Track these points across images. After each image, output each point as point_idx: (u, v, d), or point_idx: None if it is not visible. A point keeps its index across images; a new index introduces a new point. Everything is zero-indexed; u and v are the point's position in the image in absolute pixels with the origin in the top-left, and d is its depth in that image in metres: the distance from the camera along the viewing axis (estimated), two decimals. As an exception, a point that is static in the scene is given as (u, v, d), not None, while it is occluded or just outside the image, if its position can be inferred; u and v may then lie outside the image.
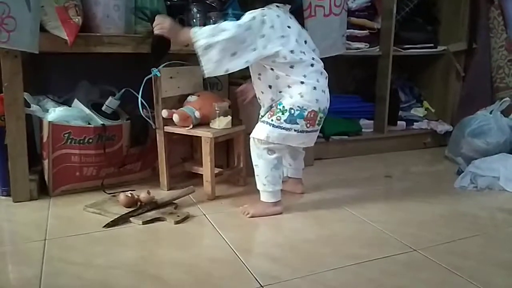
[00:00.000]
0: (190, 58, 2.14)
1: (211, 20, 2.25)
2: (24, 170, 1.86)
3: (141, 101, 1.97)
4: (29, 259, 1.39)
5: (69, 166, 1.92)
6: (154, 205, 1.78)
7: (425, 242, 1.56)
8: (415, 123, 3.03)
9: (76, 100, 2.06)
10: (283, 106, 1.69)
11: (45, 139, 1.89)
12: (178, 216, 1.70)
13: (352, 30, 2.71)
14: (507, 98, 2.66)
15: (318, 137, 2.64)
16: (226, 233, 1.60)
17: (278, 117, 1.70)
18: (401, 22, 2.86)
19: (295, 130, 1.70)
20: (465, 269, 1.38)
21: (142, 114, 2.00)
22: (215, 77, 2.25)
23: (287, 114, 1.68)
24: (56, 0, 1.84)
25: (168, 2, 2.24)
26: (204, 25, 2.24)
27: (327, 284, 1.27)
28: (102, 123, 1.96)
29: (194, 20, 2.26)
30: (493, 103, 2.69)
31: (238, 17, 2.18)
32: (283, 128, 1.70)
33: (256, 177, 1.80)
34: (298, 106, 1.68)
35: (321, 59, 1.81)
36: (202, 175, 1.96)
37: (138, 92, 1.96)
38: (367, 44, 2.78)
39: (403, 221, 1.76)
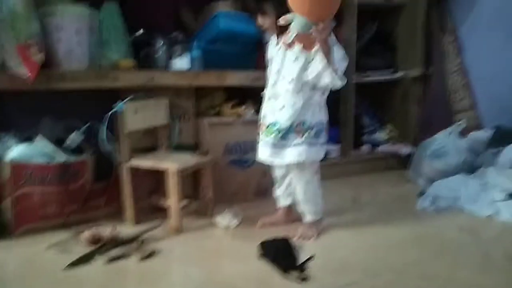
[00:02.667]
0: (154, 90, 2.16)
1: (177, 54, 2.29)
2: (-17, 210, 1.80)
3: (104, 135, 1.97)
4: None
5: (31, 205, 1.88)
6: (119, 242, 1.75)
7: (392, 267, 1.60)
8: (379, 147, 3.12)
9: (39, 136, 2.03)
10: (310, 123, 1.79)
11: (5, 178, 1.85)
12: (144, 252, 1.68)
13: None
14: (463, 121, 2.80)
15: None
16: (192, 268, 1.59)
17: (309, 135, 1.79)
18: (361, 51, 2.98)
19: (320, 145, 1.84)
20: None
21: (105, 149, 1.99)
22: (182, 108, 2.28)
23: (314, 130, 1.80)
24: (17, 38, 1.84)
25: (132, 38, 2.27)
26: (170, 58, 2.29)
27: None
28: (64, 160, 1.93)
29: (160, 52, 2.30)
30: (452, 125, 2.81)
31: (205, 50, 2.25)
32: (318, 144, 1.82)
33: (305, 204, 1.88)
34: (317, 122, 1.82)
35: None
36: (169, 208, 1.95)
37: (102, 126, 1.96)
38: (329, 71, 2.87)
39: (369, 246, 1.80)
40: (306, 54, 1.72)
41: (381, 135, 3.18)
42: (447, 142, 2.67)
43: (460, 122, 2.77)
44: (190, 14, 2.57)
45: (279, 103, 1.81)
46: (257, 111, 2.07)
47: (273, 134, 1.80)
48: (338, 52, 1.72)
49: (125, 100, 1.97)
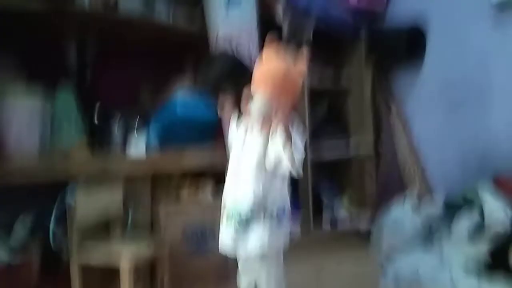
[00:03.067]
0: (105, 179, 2.09)
1: (134, 133, 2.27)
2: None
3: (53, 227, 1.86)
4: None
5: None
6: None
7: None
8: (339, 222, 3.14)
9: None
10: (271, 210, 1.72)
11: None
12: None
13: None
14: (414, 192, 2.91)
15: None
16: None
17: (271, 222, 1.71)
18: (314, 129, 3.06)
19: (283, 231, 1.75)
20: None
21: (54, 241, 1.88)
22: (137, 193, 2.22)
23: (276, 216, 1.73)
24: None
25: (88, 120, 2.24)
26: (127, 136, 2.26)
27: None
28: (7, 260, 1.79)
29: (117, 130, 2.27)
30: (406, 195, 2.90)
31: (161, 133, 2.24)
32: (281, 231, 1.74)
33: None
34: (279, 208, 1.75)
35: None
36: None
37: (51, 216, 1.86)
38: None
39: None
40: (265, 138, 1.73)
41: (340, 210, 3.20)
42: (401, 216, 2.73)
43: (411, 194, 2.87)
44: (148, 91, 2.59)
45: (239, 190, 1.79)
46: (216, 193, 2.04)
47: (234, 224, 1.75)
48: (297, 139, 1.74)
49: (76, 188, 1.89)
